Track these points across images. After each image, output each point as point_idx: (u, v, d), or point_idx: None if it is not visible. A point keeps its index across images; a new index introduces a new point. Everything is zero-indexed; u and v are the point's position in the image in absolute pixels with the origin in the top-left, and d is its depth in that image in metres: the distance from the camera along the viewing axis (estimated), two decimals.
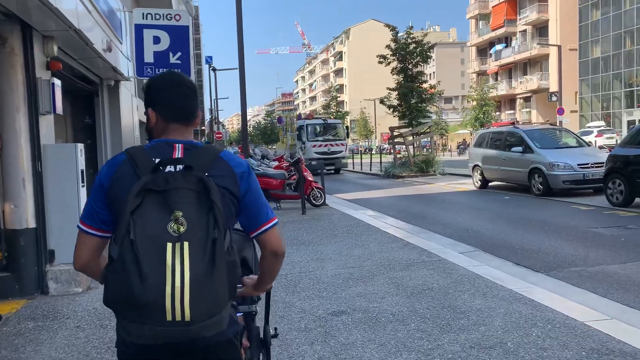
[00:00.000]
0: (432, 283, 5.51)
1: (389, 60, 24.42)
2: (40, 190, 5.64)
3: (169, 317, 1.46)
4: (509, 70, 53.74)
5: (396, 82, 24.61)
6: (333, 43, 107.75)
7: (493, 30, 54.79)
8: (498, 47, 53.52)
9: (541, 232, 8.44)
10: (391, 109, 24.98)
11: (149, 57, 9.26)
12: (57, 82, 5.79)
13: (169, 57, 9.30)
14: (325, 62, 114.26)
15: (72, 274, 5.62)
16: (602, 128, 34.48)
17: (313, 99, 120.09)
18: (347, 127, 30.02)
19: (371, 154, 33.10)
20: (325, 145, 26.85)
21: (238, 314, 1.95)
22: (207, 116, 54.46)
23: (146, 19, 9.26)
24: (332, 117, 42.07)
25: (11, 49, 5.34)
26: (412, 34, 24.50)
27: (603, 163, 11.99)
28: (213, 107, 50.25)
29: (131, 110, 11.05)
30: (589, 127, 35.84)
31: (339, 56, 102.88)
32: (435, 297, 5.03)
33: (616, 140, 30.86)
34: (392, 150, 26.54)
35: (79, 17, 5.67)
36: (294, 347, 3.92)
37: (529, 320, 4.29)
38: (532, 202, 12.35)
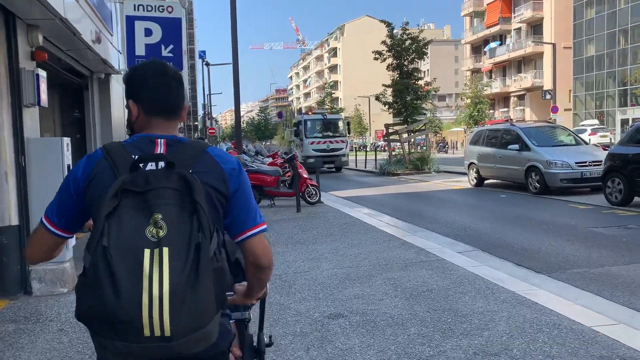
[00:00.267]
0: (432, 284, 5.33)
1: (384, 57, 24.16)
2: (24, 186, 5.40)
3: (146, 332, 1.28)
4: (503, 68, 53.68)
5: (391, 78, 24.36)
6: (327, 39, 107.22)
7: (487, 27, 54.71)
8: (492, 44, 53.36)
9: (540, 232, 8.28)
10: (386, 106, 24.70)
11: (140, 50, 9.07)
12: (42, 73, 5.53)
13: (161, 50, 9.12)
14: (319, 58, 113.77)
15: (58, 273, 5.39)
16: (596, 126, 34.51)
17: (307, 95, 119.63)
18: (348, 122, 27.93)
19: (366, 151, 32.89)
20: (325, 142, 24.99)
21: (231, 321, 1.76)
22: (200, 112, 54.21)
23: (138, 10, 9.07)
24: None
25: None
26: (408, 30, 24.27)
27: (601, 161, 11.88)
28: (206, 102, 49.99)
29: (122, 104, 10.80)
30: (583, 125, 35.87)
31: (334, 52, 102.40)
32: (435, 299, 4.86)
33: (610, 139, 30.88)
34: (386, 148, 26.21)
35: (65, 5, 5.41)
36: (289, 353, 3.72)
37: (534, 324, 4.12)
38: (529, 201, 12.20)
